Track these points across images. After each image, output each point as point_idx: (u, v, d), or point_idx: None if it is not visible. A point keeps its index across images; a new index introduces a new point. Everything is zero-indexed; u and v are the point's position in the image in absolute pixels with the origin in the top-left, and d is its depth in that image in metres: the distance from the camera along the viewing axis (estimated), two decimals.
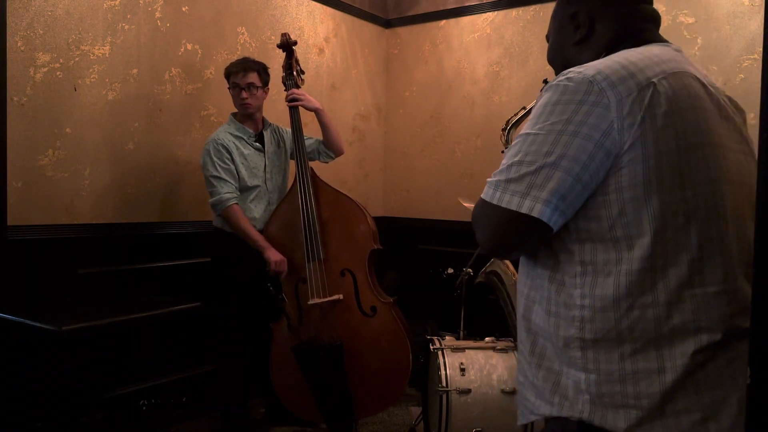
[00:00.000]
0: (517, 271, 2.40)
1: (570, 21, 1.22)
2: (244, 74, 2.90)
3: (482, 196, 1.12)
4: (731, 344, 1.03)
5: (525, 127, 1.10)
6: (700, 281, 1.03)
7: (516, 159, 1.06)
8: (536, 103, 1.11)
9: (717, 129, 1.08)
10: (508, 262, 2.42)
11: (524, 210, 1.03)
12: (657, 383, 1.02)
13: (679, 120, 1.03)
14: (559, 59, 1.27)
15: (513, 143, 1.10)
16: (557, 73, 1.29)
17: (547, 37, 1.32)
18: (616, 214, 1.03)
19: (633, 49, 1.12)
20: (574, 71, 1.06)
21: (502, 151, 2.11)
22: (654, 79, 1.03)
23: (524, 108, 1.92)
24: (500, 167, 1.10)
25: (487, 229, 1.11)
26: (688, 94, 1.06)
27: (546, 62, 1.64)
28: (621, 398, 1.03)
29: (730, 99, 1.18)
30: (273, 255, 2.84)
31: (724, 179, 1.06)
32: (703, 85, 1.10)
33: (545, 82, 1.55)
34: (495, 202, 1.07)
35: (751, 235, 1.07)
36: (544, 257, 1.13)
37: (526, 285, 1.19)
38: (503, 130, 2.05)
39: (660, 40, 1.18)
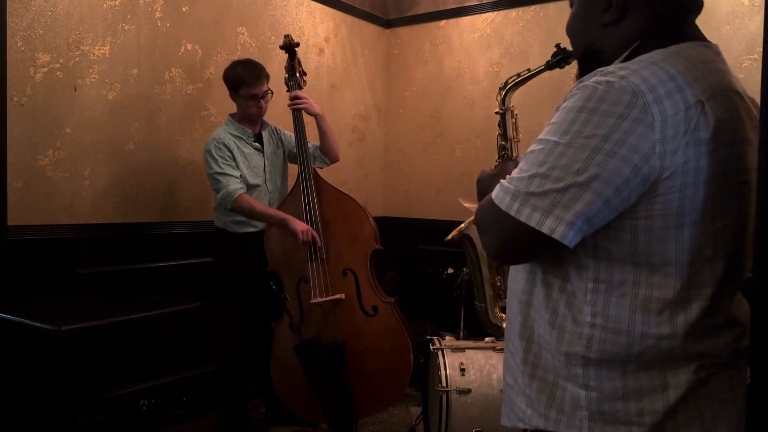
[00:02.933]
0: None
1: None
2: (261, 84, 2.90)
3: (494, 200, 1.01)
4: (732, 362, 1.01)
5: (550, 130, 0.98)
6: (713, 312, 0.99)
7: (541, 171, 0.95)
8: (564, 103, 0.99)
9: (752, 155, 1.01)
10: None
11: (544, 230, 0.95)
12: (660, 400, 0.98)
13: (721, 146, 0.95)
14: (581, 36, 1.14)
15: (536, 146, 0.99)
16: (573, 45, 1.18)
17: (571, 2, 1.16)
18: (642, 241, 0.96)
19: (676, 52, 0.99)
20: (615, 74, 0.94)
21: (496, 112, 1.89)
22: (702, 97, 0.94)
23: (528, 70, 1.74)
24: (520, 172, 0.99)
25: (497, 237, 1.03)
26: (732, 116, 0.98)
27: (545, 63, 1.55)
28: (623, 415, 1.00)
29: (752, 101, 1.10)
30: (298, 225, 2.80)
31: (751, 207, 1.00)
32: (744, 100, 1.03)
33: (557, 46, 1.35)
34: (512, 213, 0.97)
35: None
36: (554, 267, 1.05)
37: (525, 291, 1.11)
38: (501, 89, 1.85)
39: (696, 34, 1.06)
